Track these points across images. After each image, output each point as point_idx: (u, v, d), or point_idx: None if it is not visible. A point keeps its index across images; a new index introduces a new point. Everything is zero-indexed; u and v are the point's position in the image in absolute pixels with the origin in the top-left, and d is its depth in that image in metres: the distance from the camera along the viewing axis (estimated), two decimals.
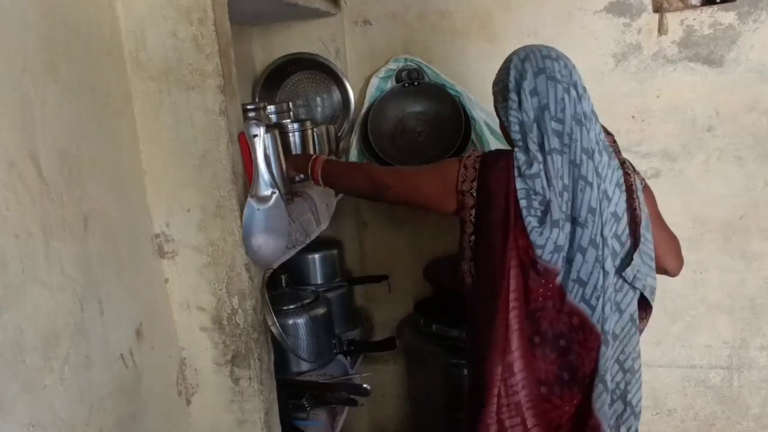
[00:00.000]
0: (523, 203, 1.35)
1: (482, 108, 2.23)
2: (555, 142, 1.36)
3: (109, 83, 1.17)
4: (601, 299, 1.37)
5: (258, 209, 1.27)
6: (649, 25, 2.12)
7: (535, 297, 1.38)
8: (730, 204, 2.20)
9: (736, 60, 2.10)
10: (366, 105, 2.26)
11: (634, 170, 1.47)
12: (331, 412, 1.69)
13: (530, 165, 1.36)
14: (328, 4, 2.12)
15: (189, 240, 1.28)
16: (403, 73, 2.24)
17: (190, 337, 1.33)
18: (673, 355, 2.31)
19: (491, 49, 2.23)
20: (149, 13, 1.19)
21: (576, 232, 1.36)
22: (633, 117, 2.15)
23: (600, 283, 1.37)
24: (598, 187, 1.36)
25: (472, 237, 1.44)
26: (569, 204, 1.36)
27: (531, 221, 1.35)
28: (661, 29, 2.11)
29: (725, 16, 2.07)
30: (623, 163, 1.44)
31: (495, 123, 2.22)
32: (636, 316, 1.43)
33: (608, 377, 1.40)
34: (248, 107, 1.57)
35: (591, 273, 1.36)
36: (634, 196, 1.42)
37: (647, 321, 1.53)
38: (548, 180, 1.36)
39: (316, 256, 2.09)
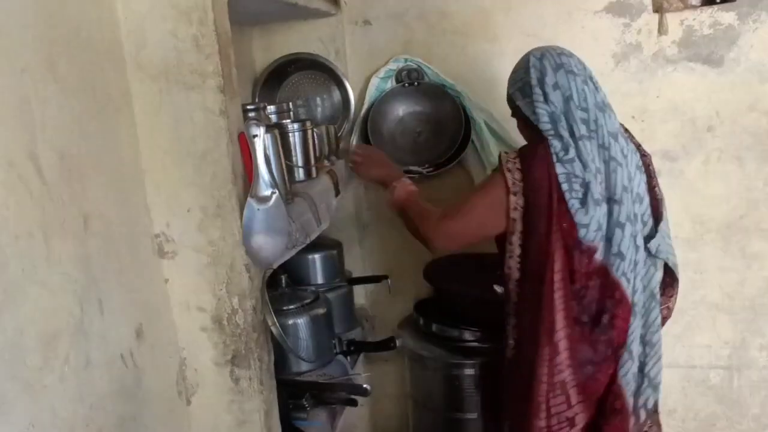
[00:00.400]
0: (564, 187, 1.46)
1: (482, 108, 2.23)
2: (583, 129, 1.49)
3: (109, 83, 1.17)
4: (633, 272, 1.50)
5: (258, 209, 1.27)
6: (649, 25, 2.12)
7: (579, 277, 1.48)
8: (730, 204, 2.20)
9: (736, 60, 2.10)
10: (366, 105, 2.26)
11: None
12: (331, 412, 1.69)
13: (566, 150, 1.48)
14: (328, 4, 2.12)
15: (189, 240, 1.28)
16: (403, 73, 2.24)
17: (190, 337, 1.33)
18: (673, 355, 2.31)
19: (491, 49, 2.23)
20: (149, 13, 1.19)
21: (613, 210, 1.48)
22: (633, 117, 2.15)
23: (635, 257, 1.50)
24: (627, 167, 1.51)
25: (522, 234, 1.52)
26: (603, 185, 1.48)
27: (574, 203, 1.46)
28: (661, 29, 2.11)
29: (725, 16, 2.07)
30: (638, 146, 1.60)
31: (495, 123, 2.22)
32: (657, 291, 1.56)
33: (633, 348, 1.52)
34: (248, 107, 1.57)
35: (629, 248, 1.49)
36: (653, 176, 1.60)
37: (676, 298, 1.67)
38: (584, 164, 1.47)
39: (316, 256, 2.09)
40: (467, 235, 1.63)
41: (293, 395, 1.59)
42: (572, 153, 1.47)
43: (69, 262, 1.00)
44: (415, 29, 2.25)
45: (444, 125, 2.25)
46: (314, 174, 1.74)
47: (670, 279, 1.63)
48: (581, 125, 1.49)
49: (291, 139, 1.66)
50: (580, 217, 1.46)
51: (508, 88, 1.62)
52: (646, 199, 1.54)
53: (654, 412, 1.60)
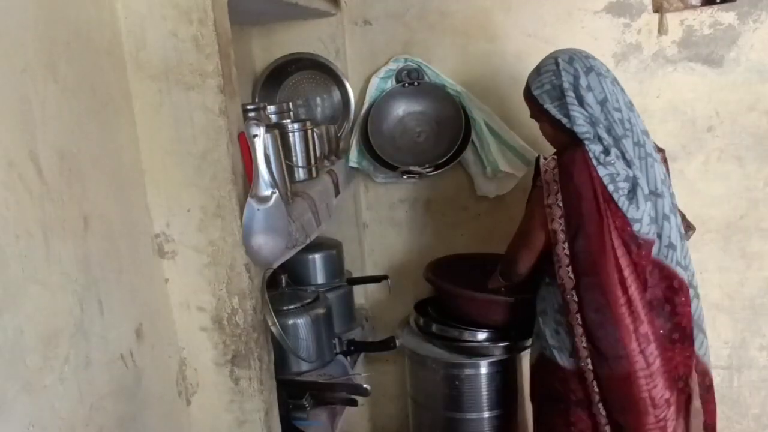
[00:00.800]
0: (610, 187, 1.52)
1: (482, 108, 2.23)
2: (620, 129, 1.55)
3: (109, 83, 1.17)
4: (685, 259, 1.61)
5: (258, 209, 1.27)
6: (649, 25, 2.12)
7: (641, 269, 1.55)
8: (730, 204, 2.20)
9: (736, 60, 2.10)
10: (366, 105, 2.26)
11: None
12: (331, 412, 1.69)
13: (607, 152, 1.54)
14: (328, 4, 2.12)
15: (189, 240, 1.28)
16: (403, 73, 2.24)
17: (190, 337, 1.33)
18: None
19: (491, 49, 2.23)
20: (149, 13, 1.19)
21: (658, 203, 1.57)
22: None
23: (683, 244, 1.60)
24: (659, 162, 1.59)
25: (566, 243, 1.57)
26: (646, 181, 1.56)
27: (623, 201, 1.53)
28: (661, 29, 2.11)
29: (725, 16, 2.07)
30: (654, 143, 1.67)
31: (495, 123, 2.22)
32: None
33: (703, 325, 1.67)
34: (248, 107, 1.57)
35: (677, 237, 1.59)
36: (668, 170, 1.67)
37: None
38: (628, 162, 1.55)
39: (316, 256, 2.09)
40: (527, 256, 1.68)
41: (293, 395, 1.59)
42: (614, 154, 1.54)
43: (69, 262, 1.00)
44: (415, 29, 2.25)
45: (444, 125, 2.25)
46: (314, 174, 1.74)
47: None
48: (619, 125, 1.55)
49: (291, 139, 1.66)
50: (632, 213, 1.53)
51: (532, 90, 1.64)
52: (670, 192, 1.63)
53: None
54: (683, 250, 1.62)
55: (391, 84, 2.26)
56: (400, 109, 2.29)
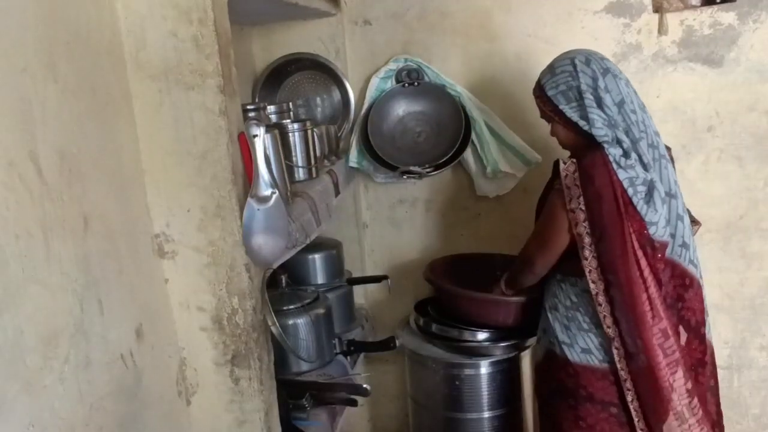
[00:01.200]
0: (630, 191, 1.53)
1: (482, 108, 2.23)
2: (637, 131, 1.56)
3: (109, 83, 1.17)
4: (695, 256, 1.65)
5: (258, 209, 1.27)
6: (649, 25, 2.12)
7: (656, 270, 1.57)
8: (730, 204, 2.20)
9: (736, 60, 2.10)
10: (366, 105, 2.26)
11: None
12: (331, 412, 1.69)
13: (627, 155, 1.55)
14: (328, 4, 2.12)
15: (189, 240, 1.28)
16: (403, 73, 2.24)
17: (190, 337, 1.33)
18: None
19: (491, 49, 2.23)
20: (149, 13, 1.19)
21: (672, 204, 1.60)
22: None
23: (693, 243, 1.64)
24: (671, 162, 1.63)
25: (592, 246, 1.58)
26: (661, 183, 1.58)
27: (641, 204, 1.54)
28: (661, 29, 2.11)
29: (725, 16, 2.08)
30: None
31: (495, 123, 2.22)
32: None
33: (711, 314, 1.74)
34: (248, 107, 1.57)
35: (690, 236, 1.62)
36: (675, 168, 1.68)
37: None
38: (645, 165, 1.56)
39: (316, 256, 2.09)
40: (545, 259, 1.69)
41: (293, 395, 1.59)
42: (633, 157, 1.55)
43: (69, 262, 1.00)
44: (415, 29, 2.25)
45: (444, 125, 2.25)
46: (314, 174, 1.74)
47: None
48: (635, 127, 1.56)
49: (291, 139, 1.66)
50: (650, 216, 1.54)
51: (546, 91, 1.63)
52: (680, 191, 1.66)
53: None
54: (694, 249, 1.65)
55: (391, 84, 2.26)
56: (400, 109, 2.29)
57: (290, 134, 1.66)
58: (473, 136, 2.22)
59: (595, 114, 1.55)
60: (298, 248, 1.49)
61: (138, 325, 1.19)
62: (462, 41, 2.24)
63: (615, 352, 1.61)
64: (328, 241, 2.18)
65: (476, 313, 2.02)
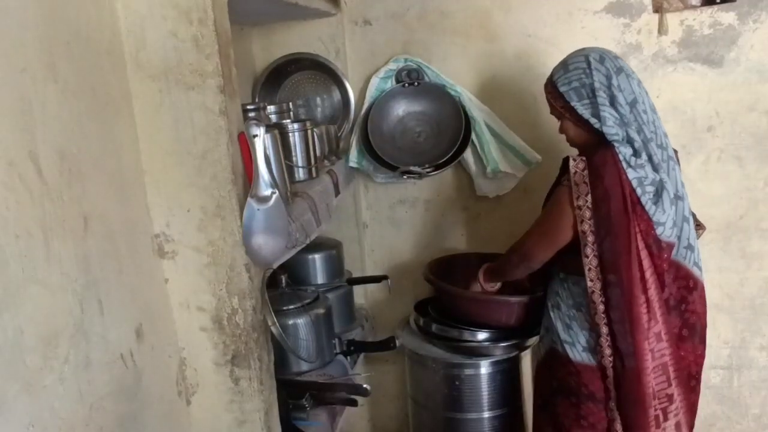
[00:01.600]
0: (638, 191, 1.53)
1: (482, 108, 2.23)
2: (648, 131, 1.56)
3: (109, 83, 1.17)
4: (700, 258, 1.65)
5: (258, 209, 1.27)
6: (649, 25, 2.12)
7: (661, 271, 1.57)
8: (730, 204, 2.20)
9: (736, 60, 2.10)
10: (366, 105, 2.26)
11: None
12: (331, 412, 1.69)
13: (638, 155, 1.55)
14: (328, 4, 2.12)
15: (189, 240, 1.28)
16: (403, 73, 2.24)
17: (190, 337, 1.33)
18: None
19: (491, 49, 2.23)
20: (149, 13, 1.19)
21: (678, 206, 1.60)
22: None
23: (698, 246, 1.64)
24: (678, 164, 1.63)
25: (594, 245, 1.58)
26: (670, 184, 1.57)
27: (650, 205, 1.54)
28: (661, 29, 2.11)
29: (725, 16, 2.08)
30: None
31: (495, 123, 2.22)
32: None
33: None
34: (248, 107, 1.57)
35: (695, 238, 1.63)
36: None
37: None
38: (655, 166, 1.56)
39: (316, 256, 2.09)
40: (543, 252, 1.69)
41: (293, 395, 1.59)
42: (644, 157, 1.55)
43: (69, 262, 1.00)
44: (415, 29, 2.25)
45: (444, 125, 2.25)
46: (314, 174, 1.74)
47: None
48: (646, 127, 1.56)
49: (291, 139, 1.66)
50: (658, 216, 1.54)
51: (558, 87, 1.62)
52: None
53: None
54: (698, 251, 1.65)
55: (391, 84, 2.26)
56: (400, 109, 2.29)
57: (290, 134, 1.66)
58: (473, 136, 2.22)
59: (607, 112, 1.55)
60: (298, 248, 1.49)
61: (138, 325, 1.19)
62: (462, 41, 2.24)
63: (605, 350, 1.62)
64: (328, 241, 2.18)
65: (476, 313, 2.02)
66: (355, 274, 2.30)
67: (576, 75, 1.59)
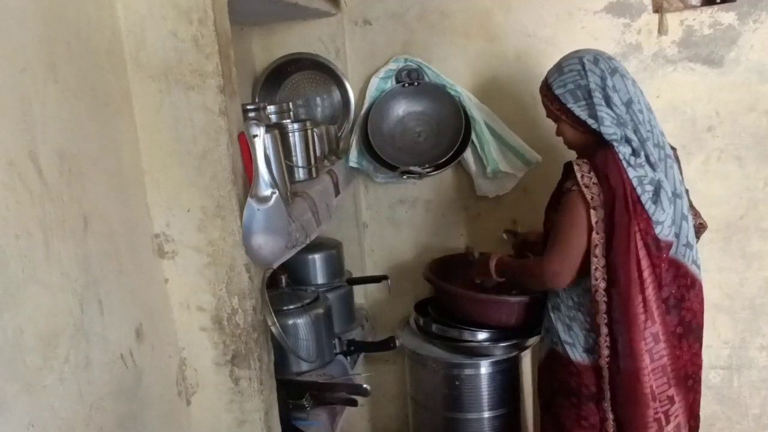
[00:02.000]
0: (638, 190, 1.53)
1: (482, 108, 2.23)
2: (644, 130, 1.57)
3: (109, 83, 1.17)
4: (698, 257, 1.65)
5: (258, 209, 1.27)
6: (649, 25, 2.12)
7: (659, 270, 1.57)
8: (730, 204, 2.20)
9: (736, 60, 2.10)
10: (366, 105, 2.26)
11: None
12: (331, 412, 1.69)
13: (637, 154, 1.55)
14: (328, 4, 2.12)
15: (189, 240, 1.28)
16: (403, 73, 2.24)
17: (190, 337, 1.33)
18: None
19: (491, 49, 2.23)
20: (149, 13, 1.19)
21: (677, 204, 1.60)
22: None
23: (695, 243, 1.64)
24: (676, 162, 1.64)
25: (604, 244, 1.57)
26: (668, 183, 1.58)
27: (649, 204, 1.54)
28: (661, 29, 2.11)
29: (725, 16, 2.08)
30: None
31: (495, 123, 2.22)
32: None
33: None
34: (248, 107, 1.57)
35: (693, 237, 1.63)
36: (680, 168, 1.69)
37: None
38: (653, 165, 1.57)
39: (316, 256, 2.09)
40: (573, 266, 1.62)
41: (293, 395, 1.59)
42: (643, 156, 1.55)
43: (69, 262, 1.00)
44: (415, 29, 2.25)
45: (444, 125, 2.25)
46: (314, 174, 1.74)
47: None
48: (643, 127, 1.56)
49: (291, 139, 1.66)
50: (658, 215, 1.54)
51: (554, 89, 1.62)
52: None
53: None
54: (697, 250, 1.65)
55: (391, 84, 2.26)
56: (400, 109, 2.29)
57: (290, 134, 1.66)
58: (473, 136, 2.22)
59: (603, 112, 1.55)
60: (298, 248, 1.49)
61: (138, 325, 1.19)
62: (462, 41, 2.24)
63: (603, 350, 1.61)
64: (328, 241, 2.18)
65: (476, 313, 2.02)
66: (355, 274, 2.30)
67: (571, 77, 1.59)
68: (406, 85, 2.25)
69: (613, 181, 1.53)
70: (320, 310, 1.76)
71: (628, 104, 1.57)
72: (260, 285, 1.36)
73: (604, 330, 1.61)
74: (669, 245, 1.59)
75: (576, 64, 1.59)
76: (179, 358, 1.33)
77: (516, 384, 2.16)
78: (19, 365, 0.88)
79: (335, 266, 2.16)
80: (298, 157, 1.68)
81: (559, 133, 1.70)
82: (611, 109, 1.55)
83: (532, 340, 2.06)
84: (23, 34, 0.94)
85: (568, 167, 1.62)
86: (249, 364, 1.32)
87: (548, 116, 1.70)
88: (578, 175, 1.56)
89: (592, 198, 1.55)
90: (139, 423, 1.18)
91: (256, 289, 1.33)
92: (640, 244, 1.54)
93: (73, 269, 1.01)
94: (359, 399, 1.68)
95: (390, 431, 2.64)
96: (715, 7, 2.07)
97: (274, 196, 1.28)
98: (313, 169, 1.74)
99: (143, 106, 1.23)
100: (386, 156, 2.19)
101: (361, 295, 2.45)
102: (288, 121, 1.76)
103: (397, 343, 1.85)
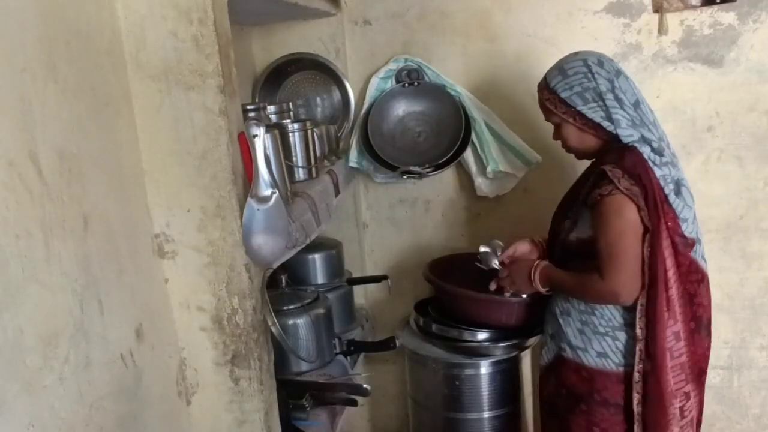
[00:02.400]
0: (666, 189, 1.53)
1: (482, 108, 2.23)
2: (655, 130, 1.57)
3: (109, 83, 1.17)
4: (704, 252, 1.66)
5: (258, 209, 1.27)
6: (649, 25, 2.12)
7: (683, 271, 1.57)
8: (730, 204, 2.20)
9: (736, 60, 2.10)
10: (366, 105, 2.26)
11: None
12: (331, 412, 1.69)
13: (660, 153, 1.55)
14: (328, 4, 2.12)
15: (189, 240, 1.28)
16: (403, 73, 2.24)
17: (190, 337, 1.33)
18: None
19: (491, 49, 2.23)
20: (149, 13, 1.19)
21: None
22: None
23: (702, 237, 1.65)
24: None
25: (648, 236, 1.54)
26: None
27: (675, 201, 1.54)
28: (661, 29, 2.11)
29: (725, 16, 2.08)
30: None
31: (495, 123, 2.22)
32: None
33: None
34: (248, 107, 1.57)
35: (700, 232, 1.63)
36: None
37: None
38: (673, 163, 1.57)
39: (316, 256, 2.09)
40: (637, 275, 1.54)
41: (293, 395, 1.59)
42: (667, 155, 1.55)
43: (69, 262, 1.00)
44: (415, 29, 2.25)
45: (444, 125, 2.25)
46: (314, 174, 1.74)
47: None
48: (653, 126, 1.57)
49: (291, 139, 1.66)
50: (685, 213, 1.54)
51: (559, 93, 1.59)
52: None
53: None
54: (703, 245, 1.66)
55: (391, 84, 2.26)
56: (400, 109, 2.29)
57: (290, 134, 1.66)
58: (473, 136, 2.22)
59: (619, 114, 1.53)
60: (298, 248, 1.49)
61: (138, 325, 1.19)
62: (462, 41, 2.24)
63: (638, 353, 1.57)
64: (328, 241, 2.18)
65: (476, 313, 2.02)
66: (355, 274, 2.30)
67: (577, 80, 1.56)
68: (406, 85, 2.25)
69: (645, 181, 1.51)
70: (320, 310, 1.76)
71: (636, 105, 1.56)
72: (260, 285, 1.36)
73: (640, 333, 1.56)
74: (694, 243, 1.59)
75: (581, 66, 1.57)
76: (179, 358, 1.33)
77: (516, 384, 2.16)
78: (19, 365, 0.88)
79: (335, 266, 2.16)
80: (298, 157, 1.68)
81: (558, 137, 1.67)
82: (624, 110, 1.54)
83: (532, 340, 2.06)
84: (23, 34, 0.94)
85: (600, 174, 1.54)
86: (249, 364, 1.32)
87: (548, 120, 1.68)
88: (615, 180, 1.50)
89: (637, 198, 1.50)
90: (139, 423, 1.18)
91: (256, 289, 1.33)
92: (666, 243, 1.52)
93: (73, 269, 1.01)
94: (359, 399, 1.68)
95: (390, 431, 2.64)
96: (715, 7, 2.07)
97: (274, 196, 1.28)
98: (313, 169, 1.74)
99: (143, 106, 1.23)
100: (386, 156, 2.19)
101: (361, 295, 2.45)
102: (288, 121, 1.77)
103: (397, 343, 1.85)
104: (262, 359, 1.35)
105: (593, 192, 1.55)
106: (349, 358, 1.88)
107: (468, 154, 2.25)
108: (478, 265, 1.92)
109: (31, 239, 0.92)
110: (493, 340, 2.03)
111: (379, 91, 2.26)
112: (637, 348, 1.57)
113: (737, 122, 2.14)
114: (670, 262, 1.53)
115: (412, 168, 2.18)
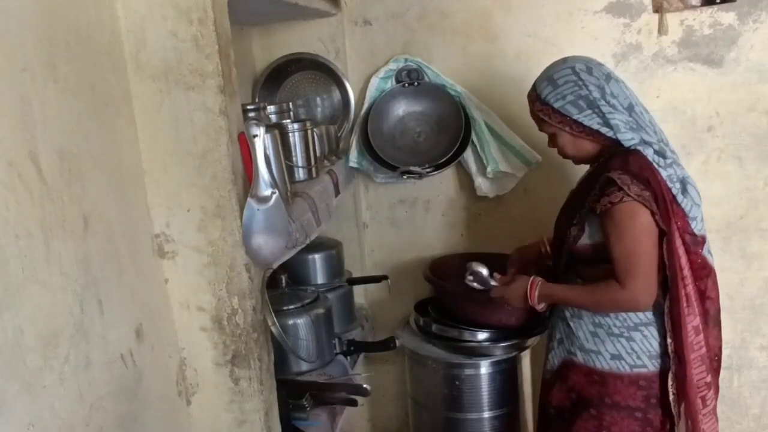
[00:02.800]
0: (673, 189, 1.53)
1: (482, 108, 2.23)
2: (652, 131, 1.57)
3: (109, 83, 1.17)
4: (709, 246, 1.65)
5: (258, 209, 1.27)
6: (649, 25, 2.12)
7: (696, 267, 1.57)
8: (730, 204, 2.20)
9: (736, 60, 2.10)
10: (366, 105, 2.26)
11: None
12: (331, 412, 1.69)
13: (662, 155, 1.55)
14: (328, 4, 2.12)
15: (189, 240, 1.28)
16: (403, 73, 2.24)
17: (190, 337, 1.33)
18: None
19: (491, 49, 2.23)
20: (149, 13, 1.19)
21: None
22: None
23: (707, 234, 1.64)
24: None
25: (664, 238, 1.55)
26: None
27: (683, 200, 1.54)
28: (661, 29, 2.11)
29: (725, 16, 2.08)
30: None
31: (495, 123, 2.22)
32: None
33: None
34: (248, 107, 1.57)
35: (705, 227, 1.62)
36: None
37: None
38: (675, 162, 1.57)
39: (316, 256, 2.09)
40: (654, 279, 1.54)
41: (293, 395, 1.59)
42: (669, 155, 1.55)
43: (69, 262, 1.00)
44: (415, 29, 2.25)
45: (444, 125, 2.25)
46: (314, 174, 1.74)
47: None
48: (650, 127, 1.57)
49: (291, 139, 1.66)
50: (694, 212, 1.55)
51: (552, 103, 1.57)
52: None
53: None
54: (708, 239, 1.65)
55: (391, 84, 2.26)
56: (400, 109, 2.29)
57: (290, 134, 1.66)
58: (473, 136, 2.22)
59: (617, 119, 1.53)
60: (298, 248, 1.49)
61: (138, 325, 1.19)
62: (462, 41, 2.24)
63: (672, 355, 1.57)
64: (328, 241, 2.18)
65: (476, 313, 2.02)
66: (355, 274, 2.30)
67: (568, 88, 1.55)
68: (406, 85, 2.25)
69: (653, 185, 1.50)
70: (320, 310, 1.76)
71: (630, 109, 1.56)
72: (260, 285, 1.36)
73: (670, 336, 1.57)
74: (704, 240, 1.59)
75: (570, 74, 1.55)
76: (179, 358, 1.33)
77: (516, 384, 2.16)
78: (19, 365, 0.88)
79: (335, 266, 2.16)
80: (298, 157, 1.68)
81: (554, 145, 1.66)
82: (619, 114, 1.54)
83: (532, 340, 2.06)
84: (23, 34, 0.94)
85: (607, 181, 1.52)
86: (249, 364, 1.32)
87: (542, 130, 1.67)
88: (625, 187, 1.49)
89: (649, 203, 1.49)
90: (139, 423, 1.18)
91: (256, 289, 1.33)
92: (678, 242, 1.52)
93: (73, 269, 1.01)
94: (359, 399, 1.68)
95: (390, 431, 2.64)
96: (715, 7, 2.07)
97: (274, 196, 1.28)
98: (313, 169, 1.74)
99: (143, 106, 1.23)
100: (386, 156, 2.19)
101: (361, 295, 2.45)
102: (288, 121, 1.77)
103: (397, 343, 1.85)
104: (262, 359, 1.35)
105: (602, 200, 1.53)
106: (349, 358, 1.88)
107: (468, 154, 2.25)
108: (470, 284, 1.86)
109: (31, 239, 0.92)
110: (493, 340, 2.04)
111: (379, 91, 2.26)
112: (665, 348, 1.58)
113: (737, 122, 2.14)
114: (684, 261, 1.54)
115: (412, 168, 2.18)
